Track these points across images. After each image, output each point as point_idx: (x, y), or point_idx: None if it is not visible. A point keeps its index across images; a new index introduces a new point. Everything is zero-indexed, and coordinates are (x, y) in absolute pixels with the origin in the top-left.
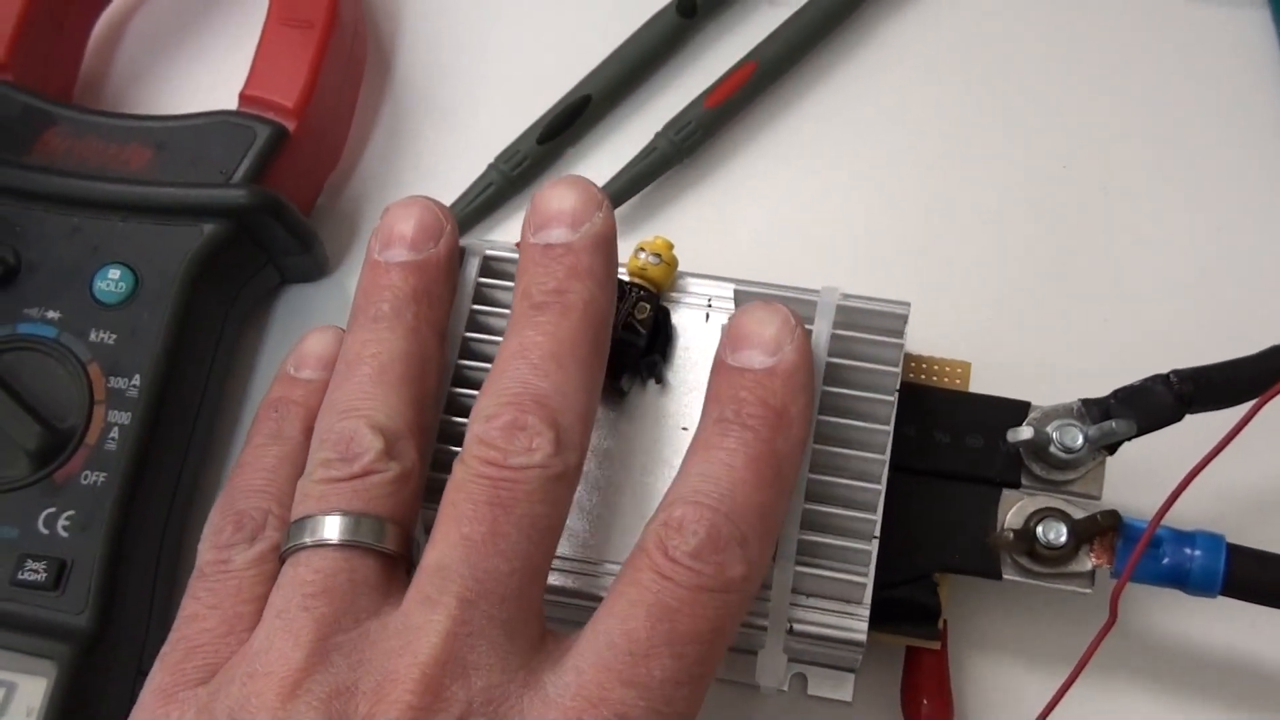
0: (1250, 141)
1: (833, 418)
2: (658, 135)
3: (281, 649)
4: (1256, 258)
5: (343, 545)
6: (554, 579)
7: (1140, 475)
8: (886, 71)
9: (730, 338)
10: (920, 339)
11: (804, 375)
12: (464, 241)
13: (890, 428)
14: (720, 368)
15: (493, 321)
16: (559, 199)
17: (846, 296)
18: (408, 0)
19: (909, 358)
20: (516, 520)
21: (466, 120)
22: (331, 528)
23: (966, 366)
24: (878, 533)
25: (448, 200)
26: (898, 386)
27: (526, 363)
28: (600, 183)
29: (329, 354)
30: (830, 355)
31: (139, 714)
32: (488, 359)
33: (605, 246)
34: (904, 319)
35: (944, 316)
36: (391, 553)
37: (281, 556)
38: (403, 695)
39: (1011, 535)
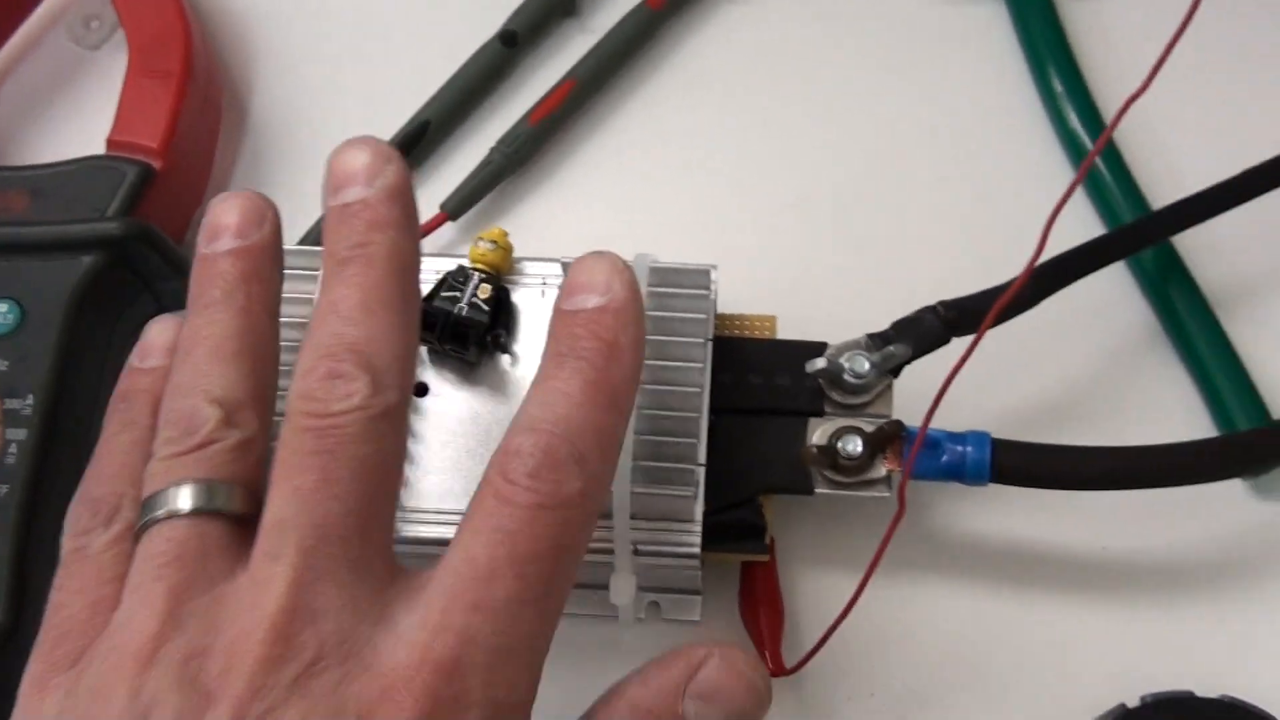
0: (996, 116)
1: (656, 361)
2: (492, 150)
3: (138, 621)
4: (1002, 212)
5: (191, 514)
6: (417, 529)
7: (924, 393)
8: (689, 80)
9: (565, 289)
10: (733, 300)
11: (633, 310)
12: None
13: (702, 364)
14: (556, 315)
15: None
16: (350, 159)
17: (657, 261)
18: (258, 51)
19: (724, 317)
20: (345, 463)
21: (320, 155)
22: (178, 498)
23: (773, 319)
24: (702, 459)
25: (303, 229)
26: (709, 333)
27: (336, 315)
28: (444, 196)
29: (171, 342)
30: (648, 310)
31: (17, 707)
32: None
33: (401, 196)
34: (708, 274)
35: (753, 280)
36: (240, 514)
37: (135, 535)
38: (253, 648)
39: (816, 450)
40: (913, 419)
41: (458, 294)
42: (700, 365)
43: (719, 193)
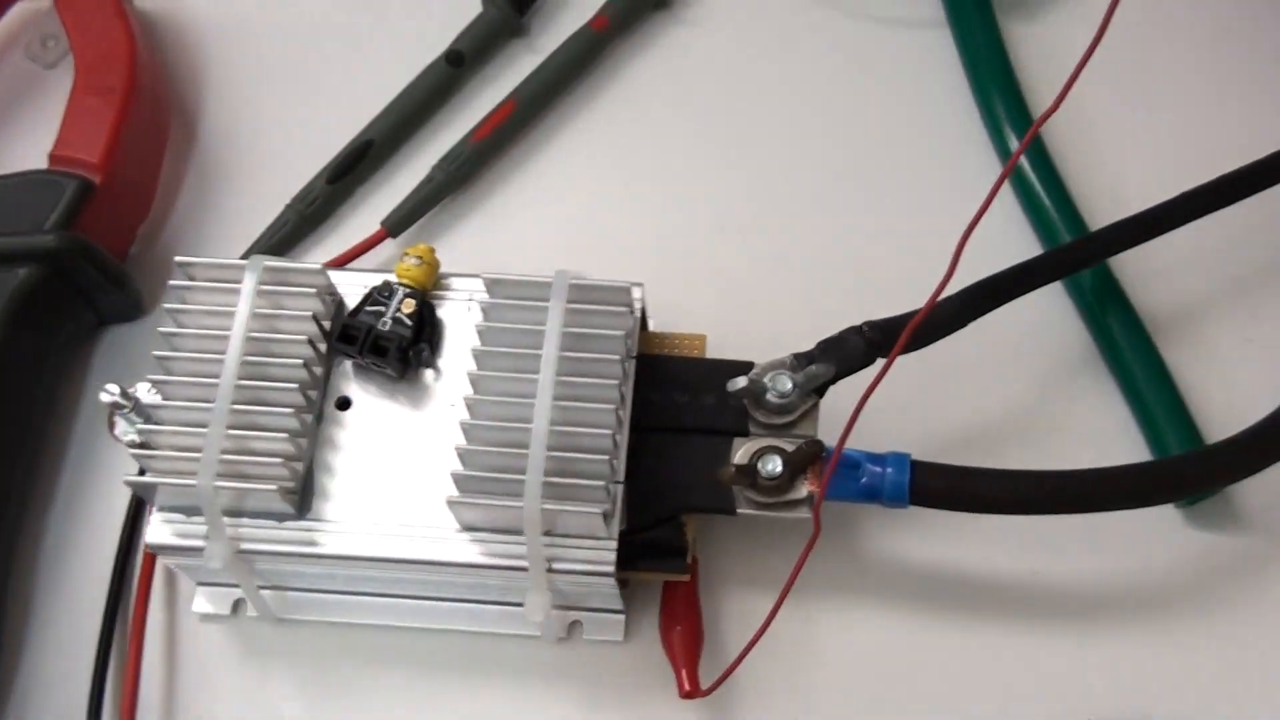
0: (937, 138)
1: (573, 377)
2: (434, 168)
3: None
4: (941, 234)
5: None
6: (333, 542)
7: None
8: (632, 101)
9: None
10: (668, 319)
11: None
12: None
13: (617, 381)
14: None
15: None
16: None
17: (578, 278)
18: (210, 72)
19: (654, 335)
20: None
21: (268, 172)
22: None
23: (702, 338)
24: (621, 476)
25: (248, 240)
26: (629, 349)
27: None
28: (384, 213)
29: None
30: (566, 326)
31: None
32: (271, 354)
33: None
34: (629, 292)
35: (689, 299)
36: None
37: None
38: None
39: (734, 469)
40: (836, 435)
41: (382, 309)
42: (615, 382)
43: (659, 212)
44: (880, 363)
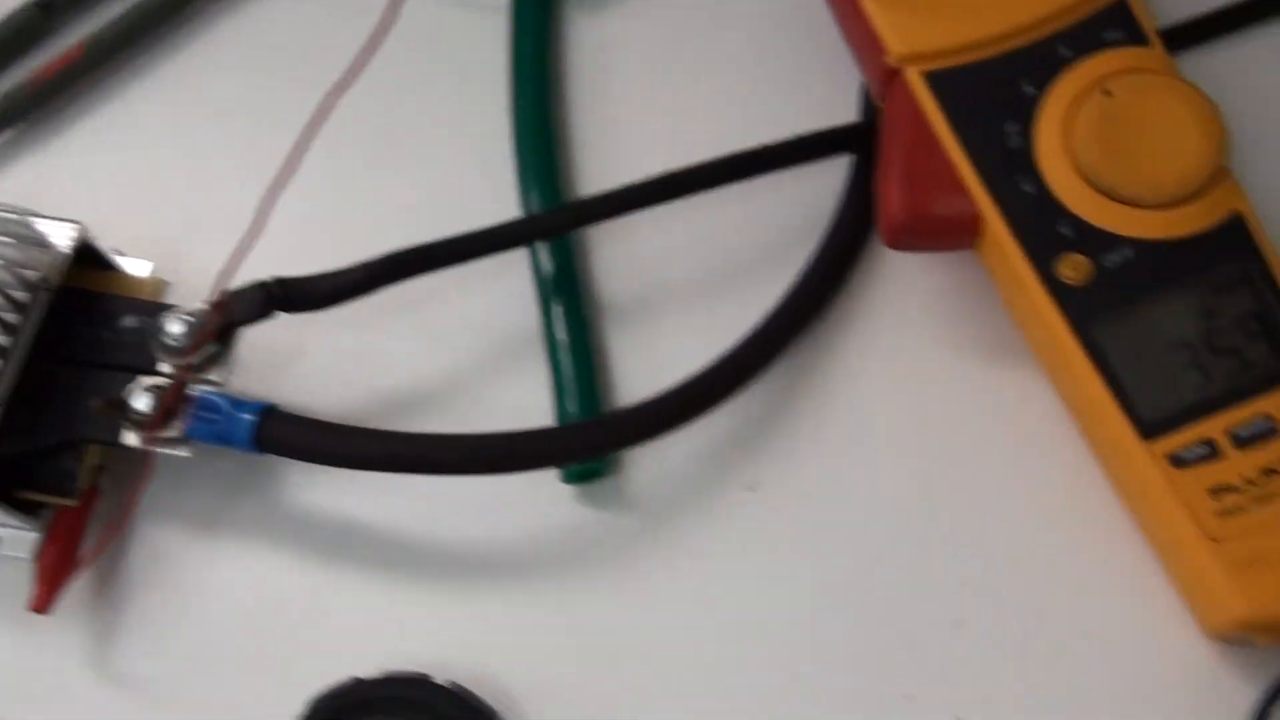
0: (462, 121)
1: None
2: None
3: None
4: (446, 207)
5: None
6: None
7: (320, 367)
8: (206, 65)
9: None
10: (172, 266)
11: None
12: None
13: None
14: None
15: None
16: None
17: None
18: None
19: (107, 275)
20: None
21: None
22: None
23: (158, 283)
24: None
25: None
26: (27, 280)
27: None
28: None
29: None
30: None
31: None
32: None
33: None
34: (27, 224)
35: (202, 251)
36: None
37: None
38: None
39: (102, 401)
40: (254, 382)
41: None
42: None
43: (208, 168)
44: (283, 316)
